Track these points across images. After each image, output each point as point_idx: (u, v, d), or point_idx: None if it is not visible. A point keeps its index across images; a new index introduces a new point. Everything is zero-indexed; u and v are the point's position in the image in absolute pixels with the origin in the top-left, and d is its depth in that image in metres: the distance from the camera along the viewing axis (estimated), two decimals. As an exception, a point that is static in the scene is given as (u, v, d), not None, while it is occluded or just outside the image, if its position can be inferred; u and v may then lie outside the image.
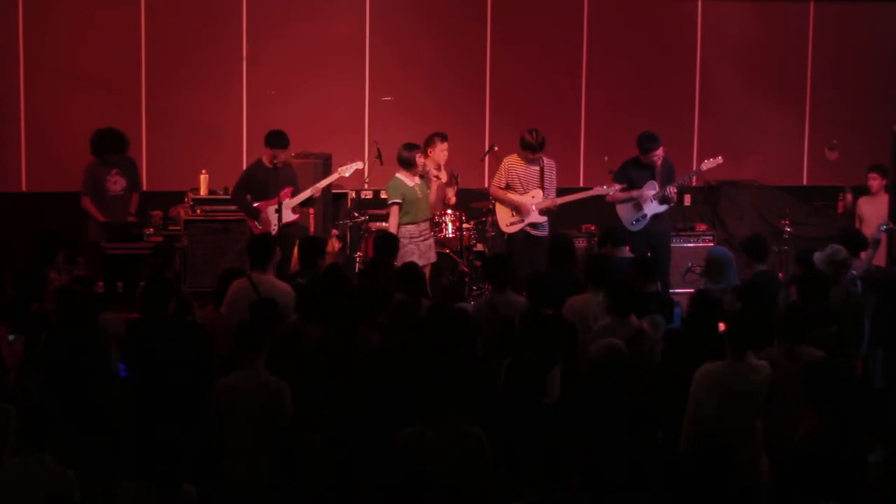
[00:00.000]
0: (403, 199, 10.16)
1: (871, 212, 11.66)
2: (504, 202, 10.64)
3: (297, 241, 9.11)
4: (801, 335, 6.84)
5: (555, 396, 6.78)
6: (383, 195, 10.91)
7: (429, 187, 10.52)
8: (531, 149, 10.44)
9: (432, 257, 10.40)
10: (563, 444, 5.65)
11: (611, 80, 13.42)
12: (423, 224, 10.37)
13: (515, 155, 10.61)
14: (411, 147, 10.35)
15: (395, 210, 10.15)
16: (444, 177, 10.99)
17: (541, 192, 10.56)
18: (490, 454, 5.88)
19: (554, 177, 10.63)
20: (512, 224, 10.62)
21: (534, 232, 10.56)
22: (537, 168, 10.54)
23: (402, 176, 10.25)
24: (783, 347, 6.83)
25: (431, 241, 10.48)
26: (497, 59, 13.27)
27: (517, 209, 10.57)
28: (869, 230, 10.87)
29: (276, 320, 7.20)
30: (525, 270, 9.64)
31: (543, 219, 10.60)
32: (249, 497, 6.14)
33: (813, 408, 6.02)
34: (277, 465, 5.64)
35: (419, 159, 10.34)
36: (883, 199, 11.62)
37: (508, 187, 10.62)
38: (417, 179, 10.31)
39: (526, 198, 10.55)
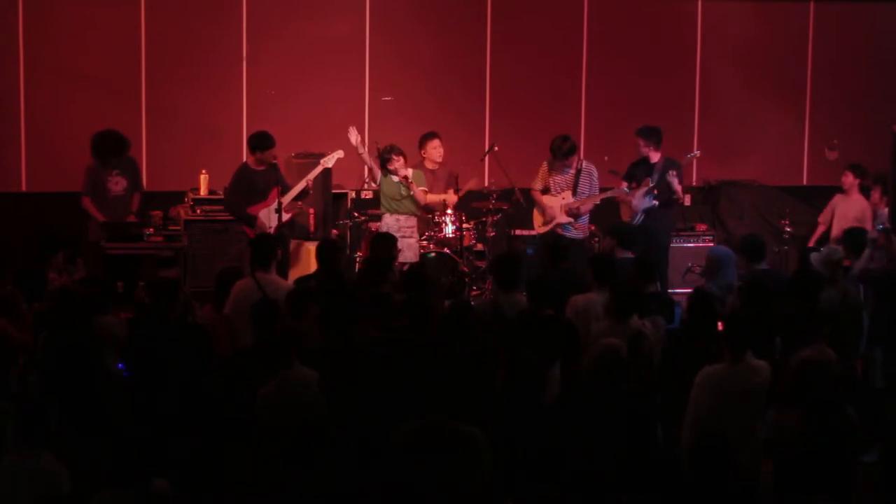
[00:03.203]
0: (380, 190, 10.78)
1: (841, 210, 11.76)
2: (538, 205, 10.85)
3: (318, 244, 9.04)
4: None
5: (554, 395, 6.77)
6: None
7: (408, 188, 10.73)
8: (556, 156, 10.65)
9: (410, 257, 10.45)
10: (562, 444, 5.66)
11: (611, 80, 13.43)
12: (401, 218, 10.69)
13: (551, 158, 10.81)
14: (390, 149, 10.77)
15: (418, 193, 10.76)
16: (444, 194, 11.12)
17: (570, 195, 10.67)
18: (488, 453, 5.82)
19: (595, 180, 10.77)
20: (543, 226, 10.81)
21: (562, 233, 10.65)
22: (572, 171, 10.69)
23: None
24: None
25: (414, 241, 10.56)
26: (497, 59, 13.27)
27: (547, 211, 10.76)
28: (838, 229, 10.96)
29: (277, 318, 7.20)
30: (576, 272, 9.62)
31: (570, 220, 10.69)
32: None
33: (798, 406, 6.04)
34: (290, 455, 5.61)
35: (394, 162, 10.68)
36: (855, 198, 11.71)
37: (547, 189, 10.79)
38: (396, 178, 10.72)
39: (555, 200, 10.70)
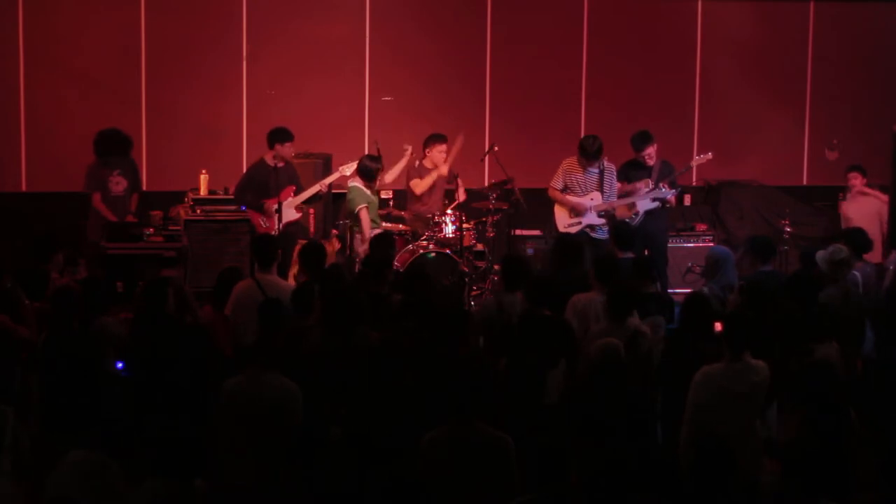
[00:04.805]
0: (369, 205, 10.57)
1: (856, 210, 11.78)
2: (562, 203, 10.68)
3: (300, 250, 9.05)
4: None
5: (554, 395, 6.78)
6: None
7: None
8: (587, 156, 10.48)
9: None
10: (563, 444, 5.65)
11: (611, 79, 13.43)
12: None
13: (574, 158, 10.63)
14: (376, 160, 10.74)
15: (364, 213, 10.51)
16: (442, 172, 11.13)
17: (600, 195, 10.58)
18: (515, 460, 5.73)
19: (614, 180, 10.66)
20: (570, 226, 10.63)
21: (593, 234, 10.55)
22: (597, 171, 10.58)
23: (359, 185, 10.63)
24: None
25: None
26: (497, 59, 13.28)
27: (575, 211, 10.59)
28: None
29: (284, 320, 7.19)
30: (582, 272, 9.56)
31: (602, 221, 10.59)
32: (246, 499, 6.12)
33: (797, 407, 6.04)
34: (290, 459, 5.59)
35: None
36: (866, 198, 11.73)
37: (567, 189, 10.65)
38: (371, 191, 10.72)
39: (584, 199, 10.60)
